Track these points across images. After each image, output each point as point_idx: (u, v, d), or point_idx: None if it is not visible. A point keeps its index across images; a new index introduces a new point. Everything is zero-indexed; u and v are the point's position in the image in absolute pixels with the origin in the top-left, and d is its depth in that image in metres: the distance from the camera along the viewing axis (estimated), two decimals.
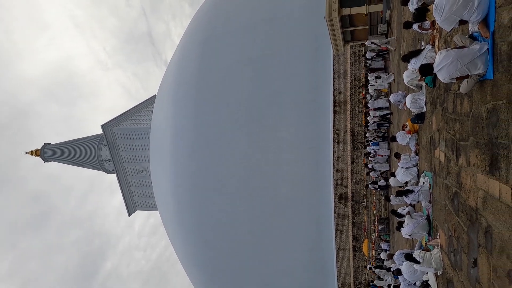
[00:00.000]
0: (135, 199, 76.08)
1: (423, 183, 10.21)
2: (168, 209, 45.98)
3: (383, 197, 22.18)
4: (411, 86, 10.89)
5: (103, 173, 78.15)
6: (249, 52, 37.95)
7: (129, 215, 78.00)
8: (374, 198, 27.98)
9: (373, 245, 28.23)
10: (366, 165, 26.55)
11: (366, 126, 25.15)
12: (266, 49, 37.25)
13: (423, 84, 9.80)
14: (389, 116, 20.62)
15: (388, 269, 18.88)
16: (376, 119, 21.99)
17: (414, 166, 11.86)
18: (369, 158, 24.10)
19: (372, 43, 21.22)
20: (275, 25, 37.62)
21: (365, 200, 30.35)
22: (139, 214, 79.67)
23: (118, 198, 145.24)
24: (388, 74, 21.37)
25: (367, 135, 24.66)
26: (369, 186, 24.67)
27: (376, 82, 22.06)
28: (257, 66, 37.27)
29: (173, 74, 45.34)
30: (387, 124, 21.79)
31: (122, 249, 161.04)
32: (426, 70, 6.31)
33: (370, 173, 24.27)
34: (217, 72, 39.19)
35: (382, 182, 21.66)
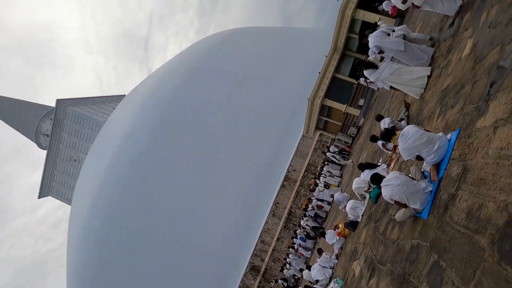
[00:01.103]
0: (54, 184, 70.45)
1: None
2: (82, 209, 42.74)
3: None
4: (356, 193, 11.25)
5: (35, 145, 72.63)
6: (223, 105, 38.87)
7: (39, 197, 71.61)
8: None
9: None
10: (287, 256, 26.42)
11: (305, 212, 25.45)
12: (243, 108, 38.32)
13: (367, 196, 10.16)
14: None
15: None
16: (315, 210, 22.43)
17: (330, 268, 11.88)
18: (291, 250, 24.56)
19: (335, 145, 22.46)
20: (257, 85, 39.17)
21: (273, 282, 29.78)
22: (50, 201, 73.95)
23: (36, 176, 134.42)
24: (341, 173, 22.23)
25: (301, 223, 24.90)
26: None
27: (328, 176, 22.83)
28: (227, 115, 37.97)
29: (149, 89, 45.02)
30: (324, 217, 22.23)
31: (14, 228, 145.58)
32: (377, 180, 6.52)
33: (284, 270, 24.52)
34: (185, 114, 39.40)
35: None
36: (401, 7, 8.93)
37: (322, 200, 22.23)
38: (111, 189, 38.99)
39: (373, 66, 8.57)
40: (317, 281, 12.11)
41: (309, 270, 13.09)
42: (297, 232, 25.12)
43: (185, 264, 35.47)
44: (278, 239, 31.30)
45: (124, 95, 65.25)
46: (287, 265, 24.41)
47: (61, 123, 65.46)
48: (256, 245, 32.51)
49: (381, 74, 8.62)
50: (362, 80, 21.12)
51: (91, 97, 73.01)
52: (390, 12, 17.06)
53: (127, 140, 40.25)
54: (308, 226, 23.13)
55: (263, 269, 31.61)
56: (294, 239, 25.03)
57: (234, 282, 32.49)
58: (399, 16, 17.88)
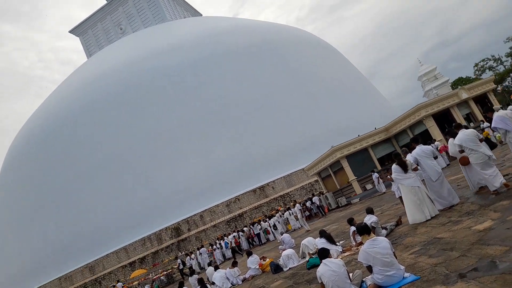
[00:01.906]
0: (90, 31, 70.68)
1: None
2: None
3: None
4: (301, 248, 11.32)
5: None
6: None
7: (71, 31, 72.03)
8: None
9: None
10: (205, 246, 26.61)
11: (251, 226, 25.55)
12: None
13: (307, 258, 10.26)
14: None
15: None
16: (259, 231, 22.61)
17: (232, 284, 12.04)
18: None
19: (319, 199, 22.31)
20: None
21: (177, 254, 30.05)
22: (75, 42, 73.98)
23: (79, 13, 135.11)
24: (302, 225, 22.29)
25: (235, 234, 25.04)
26: None
27: (291, 216, 22.93)
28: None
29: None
30: (261, 243, 22.44)
31: None
32: (323, 254, 6.53)
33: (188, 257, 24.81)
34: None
35: None
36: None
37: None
38: None
39: (404, 168, 8.63)
40: (213, 283, 12.26)
41: (215, 270, 13.22)
42: (227, 237, 25.32)
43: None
44: (214, 226, 31.54)
45: None
46: (193, 255, 24.61)
47: None
48: (194, 216, 32.81)
49: (404, 180, 8.67)
50: (375, 175, 21.19)
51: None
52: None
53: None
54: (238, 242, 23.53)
55: (183, 237, 31.91)
56: (220, 241, 25.25)
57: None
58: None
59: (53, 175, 40.30)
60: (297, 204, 24.32)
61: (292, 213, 23.34)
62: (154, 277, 26.29)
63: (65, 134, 41.48)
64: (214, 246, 25.05)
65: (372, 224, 8.86)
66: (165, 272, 26.20)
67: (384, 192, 20.33)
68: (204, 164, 35.43)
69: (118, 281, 28.45)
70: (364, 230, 7.25)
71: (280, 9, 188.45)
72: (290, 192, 32.71)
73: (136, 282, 27.10)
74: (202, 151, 36.10)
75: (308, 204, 26.45)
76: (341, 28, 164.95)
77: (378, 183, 21.19)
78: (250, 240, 24.94)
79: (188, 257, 24.77)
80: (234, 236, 24.54)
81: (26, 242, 40.23)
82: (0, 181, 49.39)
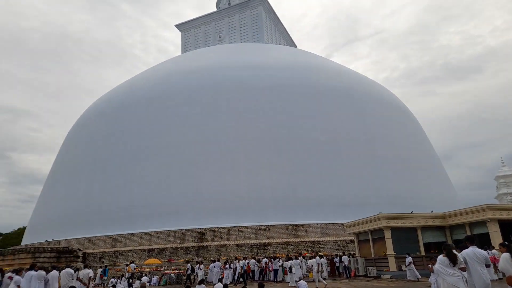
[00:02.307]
0: (193, 31, 75.72)
1: None
2: None
3: None
4: None
5: None
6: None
7: (177, 25, 77.83)
8: None
9: None
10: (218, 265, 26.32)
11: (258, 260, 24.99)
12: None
13: None
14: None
15: None
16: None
17: None
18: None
19: (349, 260, 21.18)
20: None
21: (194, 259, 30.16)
22: (176, 35, 78.66)
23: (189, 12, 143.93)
24: (324, 278, 21.28)
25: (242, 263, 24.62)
26: None
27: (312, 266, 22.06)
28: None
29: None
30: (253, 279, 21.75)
31: None
32: None
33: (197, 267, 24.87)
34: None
35: None
36: None
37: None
38: None
39: (454, 261, 7.88)
40: None
41: None
42: (244, 261, 24.97)
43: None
44: (237, 245, 31.35)
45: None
46: (202, 266, 24.57)
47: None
48: (222, 228, 33.00)
49: (448, 276, 7.91)
50: (408, 259, 19.62)
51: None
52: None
53: None
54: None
55: (205, 244, 32.13)
56: (237, 262, 24.97)
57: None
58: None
59: (112, 146, 43.16)
60: (323, 258, 23.52)
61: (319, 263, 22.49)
62: (165, 271, 26.61)
63: (135, 112, 44.46)
64: (228, 265, 24.78)
65: None
66: (176, 271, 26.41)
67: (418, 279, 18.86)
68: (248, 183, 35.70)
69: (132, 262, 29.26)
70: None
71: (373, 64, 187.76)
72: (322, 241, 31.60)
73: (148, 269, 27.62)
74: (251, 170, 36.45)
75: (335, 260, 25.44)
76: (428, 101, 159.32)
77: (408, 267, 19.76)
78: (263, 272, 24.53)
79: (198, 265, 24.80)
80: (248, 263, 24.21)
81: (69, 198, 43.21)
82: (68, 136, 54.13)
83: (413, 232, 22.65)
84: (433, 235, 22.78)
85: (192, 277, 24.22)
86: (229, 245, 31.68)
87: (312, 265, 22.50)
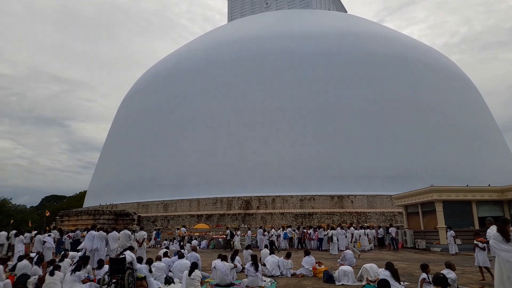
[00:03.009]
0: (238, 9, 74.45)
1: None
2: None
3: None
4: (363, 274, 10.84)
5: None
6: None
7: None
8: None
9: None
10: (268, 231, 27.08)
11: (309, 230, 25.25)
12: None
13: (363, 282, 9.84)
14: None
15: None
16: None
17: (288, 268, 12.19)
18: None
19: (396, 231, 20.77)
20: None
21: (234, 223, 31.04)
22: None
23: None
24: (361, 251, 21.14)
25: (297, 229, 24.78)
26: None
27: (360, 237, 21.91)
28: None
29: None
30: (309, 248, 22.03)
31: None
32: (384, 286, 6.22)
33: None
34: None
35: None
36: None
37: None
38: None
39: (506, 237, 7.45)
40: (264, 264, 12.53)
41: (270, 254, 13.42)
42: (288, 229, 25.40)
43: None
44: (282, 214, 31.88)
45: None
46: (238, 232, 25.40)
47: None
48: (267, 197, 33.60)
49: (502, 251, 7.49)
50: (450, 233, 18.99)
51: None
52: None
53: None
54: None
55: (250, 212, 32.99)
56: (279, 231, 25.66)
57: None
58: None
59: (162, 115, 44.73)
60: (369, 229, 23.31)
61: (366, 234, 22.42)
62: (213, 236, 27.81)
63: (183, 82, 45.45)
64: (273, 232, 25.36)
65: (449, 281, 8.03)
66: (224, 236, 27.51)
67: (456, 253, 18.51)
68: (294, 153, 35.70)
69: (183, 226, 30.85)
70: (441, 282, 6.66)
71: (430, 29, 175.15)
72: (368, 213, 31.19)
73: (197, 234, 29.04)
74: (297, 140, 36.31)
75: (380, 231, 25.18)
76: (490, 68, 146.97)
77: (450, 242, 19.37)
78: (302, 241, 25.11)
79: (235, 232, 25.67)
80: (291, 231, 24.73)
81: (124, 165, 45.91)
82: (121, 107, 56.75)
83: (466, 205, 21.65)
84: (489, 209, 21.61)
85: (231, 243, 25.04)
86: (274, 213, 32.27)
87: (360, 236, 22.46)
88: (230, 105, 40.13)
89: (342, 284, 10.48)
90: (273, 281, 11.07)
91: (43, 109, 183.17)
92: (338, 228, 22.36)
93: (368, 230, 23.30)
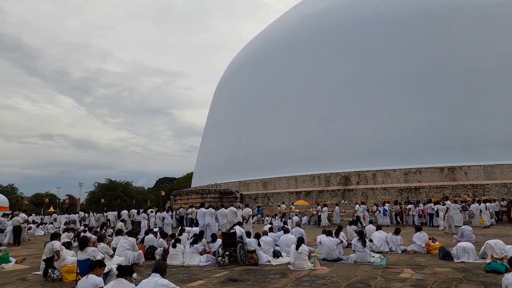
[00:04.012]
0: None
1: None
2: None
3: None
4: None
5: None
6: None
7: None
8: None
9: None
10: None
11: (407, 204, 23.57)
12: None
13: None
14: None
15: None
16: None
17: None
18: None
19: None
20: None
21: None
22: None
23: None
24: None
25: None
26: None
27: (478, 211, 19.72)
28: None
29: None
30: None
31: None
32: None
33: None
34: None
35: None
36: None
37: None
38: None
39: None
40: (371, 240, 12.16)
41: (377, 230, 12.96)
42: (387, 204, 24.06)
43: None
44: (384, 189, 30.49)
45: None
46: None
47: None
48: (367, 172, 32.35)
49: None
50: None
51: None
52: None
53: None
54: None
55: (350, 187, 32.22)
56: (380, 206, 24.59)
57: None
58: None
59: (254, 96, 45.84)
60: (490, 203, 20.86)
61: (487, 208, 20.21)
62: (313, 212, 27.95)
63: (272, 61, 45.68)
64: (376, 208, 24.49)
65: None
66: (314, 213, 27.48)
67: None
68: (393, 124, 33.46)
69: (283, 203, 31.63)
70: None
71: None
72: (486, 185, 27.90)
73: (297, 210, 29.51)
74: (396, 110, 33.87)
75: (503, 203, 22.45)
76: None
77: None
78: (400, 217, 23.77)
79: (321, 208, 25.08)
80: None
81: (223, 147, 48.60)
82: (216, 92, 59.68)
83: None
84: None
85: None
86: (376, 188, 30.99)
87: (481, 211, 20.39)
88: (321, 79, 39.17)
89: (462, 262, 9.61)
90: (382, 257, 10.68)
91: (150, 100, 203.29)
92: (448, 202, 20.46)
93: (488, 203, 20.86)
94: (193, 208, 24.49)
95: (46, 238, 21.59)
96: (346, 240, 13.15)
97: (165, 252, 11.18)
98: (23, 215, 21.30)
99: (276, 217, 28.70)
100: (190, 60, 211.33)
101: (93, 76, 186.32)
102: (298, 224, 13.90)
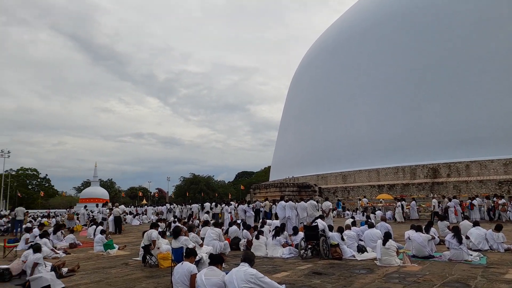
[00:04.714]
0: None
1: None
2: None
3: None
4: None
5: None
6: None
7: None
8: None
9: None
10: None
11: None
12: None
13: None
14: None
15: None
16: None
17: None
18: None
19: None
20: None
21: None
22: None
23: None
24: None
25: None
26: None
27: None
28: None
29: None
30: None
31: None
32: None
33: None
34: None
35: None
36: None
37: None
38: None
39: None
40: (467, 237, 11.13)
41: (474, 226, 11.83)
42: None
43: None
44: (480, 181, 27.69)
45: None
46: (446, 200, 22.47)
47: None
48: (459, 163, 29.64)
49: None
50: None
51: None
52: None
53: None
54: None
55: (440, 180, 29.87)
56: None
57: None
58: None
59: (336, 84, 44.47)
60: None
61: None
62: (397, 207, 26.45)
63: (350, 49, 43.95)
64: (473, 201, 22.29)
65: None
66: (409, 206, 25.84)
67: None
68: (488, 108, 30.05)
69: (364, 197, 30.52)
70: None
71: None
72: None
73: (381, 204, 28.22)
74: (496, 93, 30.27)
75: None
76: None
77: None
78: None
79: (446, 199, 23.13)
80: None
81: (300, 140, 48.39)
82: (291, 85, 59.48)
83: None
84: None
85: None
86: (470, 181, 28.24)
87: None
88: (405, 63, 36.62)
89: None
90: (481, 255, 9.71)
91: (227, 97, 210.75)
92: None
93: None
94: (267, 201, 25.00)
95: (142, 227, 23.81)
96: (438, 237, 12.22)
97: (249, 243, 11.53)
98: (122, 206, 23.74)
99: (358, 211, 27.80)
100: (265, 56, 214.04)
101: (176, 78, 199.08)
102: (384, 219, 13.30)
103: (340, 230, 10.71)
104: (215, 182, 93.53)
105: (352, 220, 13.65)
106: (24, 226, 18.93)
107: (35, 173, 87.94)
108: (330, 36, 50.91)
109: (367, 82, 39.76)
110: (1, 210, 44.08)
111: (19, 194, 67.30)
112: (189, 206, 33.73)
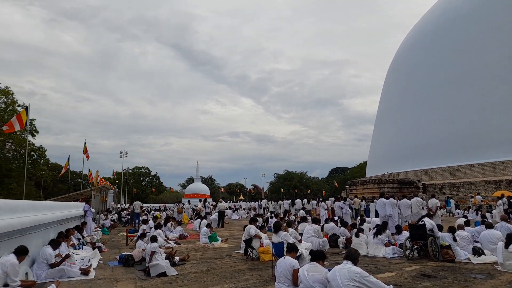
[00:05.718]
0: None
1: None
2: None
3: None
4: None
5: None
6: None
7: None
8: None
9: None
10: None
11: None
12: None
13: None
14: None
15: None
16: None
17: None
18: None
19: None
20: None
21: None
22: None
23: None
24: None
25: None
26: None
27: None
28: None
29: None
30: None
31: None
32: None
33: None
34: None
35: None
36: None
37: None
38: None
39: None
40: None
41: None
42: None
43: None
44: None
45: None
46: None
47: None
48: None
49: None
50: None
51: None
52: None
53: None
54: None
55: None
56: None
57: None
58: None
59: (439, 71, 40.64)
60: None
61: None
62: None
63: (455, 32, 39.68)
64: None
65: None
66: None
67: None
68: None
69: (478, 194, 27.35)
70: None
71: None
72: None
73: (499, 201, 24.91)
74: None
75: None
76: None
77: None
78: None
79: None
80: None
81: (399, 133, 45.33)
82: (388, 75, 55.93)
83: None
84: None
85: None
86: None
87: None
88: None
89: None
90: None
91: (319, 92, 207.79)
92: None
93: None
94: (356, 199, 23.92)
95: (241, 222, 24.96)
96: None
97: (348, 241, 11.23)
98: (224, 203, 25.24)
99: (470, 209, 25.01)
100: (356, 47, 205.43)
101: (267, 77, 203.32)
102: (504, 218, 11.73)
103: (452, 230, 9.76)
104: (308, 178, 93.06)
105: (464, 219, 12.32)
106: (141, 218, 21.37)
107: (147, 171, 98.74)
108: (431, 20, 46.59)
109: (475, 66, 35.43)
110: (122, 204, 50.40)
111: (135, 190, 76.15)
112: (280, 202, 33.35)
